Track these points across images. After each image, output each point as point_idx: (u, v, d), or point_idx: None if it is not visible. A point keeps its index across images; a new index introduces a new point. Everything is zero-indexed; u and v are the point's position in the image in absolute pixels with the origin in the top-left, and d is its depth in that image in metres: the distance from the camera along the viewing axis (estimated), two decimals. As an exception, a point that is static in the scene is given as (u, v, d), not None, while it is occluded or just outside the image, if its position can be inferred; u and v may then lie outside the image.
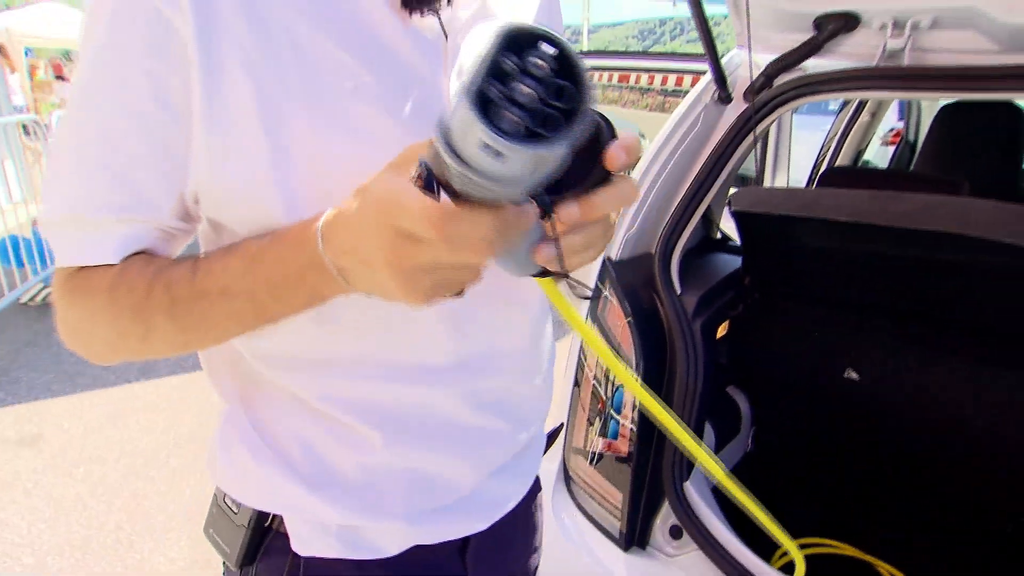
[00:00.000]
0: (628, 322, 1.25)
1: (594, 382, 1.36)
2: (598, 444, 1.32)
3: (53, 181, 0.59)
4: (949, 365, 1.36)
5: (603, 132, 0.44)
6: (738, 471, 1.65)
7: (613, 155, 0.43)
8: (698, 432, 1.35)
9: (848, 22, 1.24)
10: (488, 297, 0.67)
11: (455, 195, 0.39)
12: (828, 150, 3.17)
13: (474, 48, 0.35)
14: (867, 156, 3.90)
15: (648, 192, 1.38)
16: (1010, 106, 1.90)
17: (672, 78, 5.60)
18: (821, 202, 1.12)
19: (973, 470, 1.40)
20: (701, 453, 0.59)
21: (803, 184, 3.37)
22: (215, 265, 0.57)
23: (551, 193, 0.43)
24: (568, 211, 0.44)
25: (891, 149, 4.24)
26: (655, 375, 1.25)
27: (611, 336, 1.31)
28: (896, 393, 1.44)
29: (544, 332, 0.81)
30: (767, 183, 2.44)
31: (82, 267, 0.60)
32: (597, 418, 1.34)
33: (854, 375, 1.48)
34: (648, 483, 1.26)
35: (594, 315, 1.34)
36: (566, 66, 0.36)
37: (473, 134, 0.34)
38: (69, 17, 15.74)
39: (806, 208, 1.13)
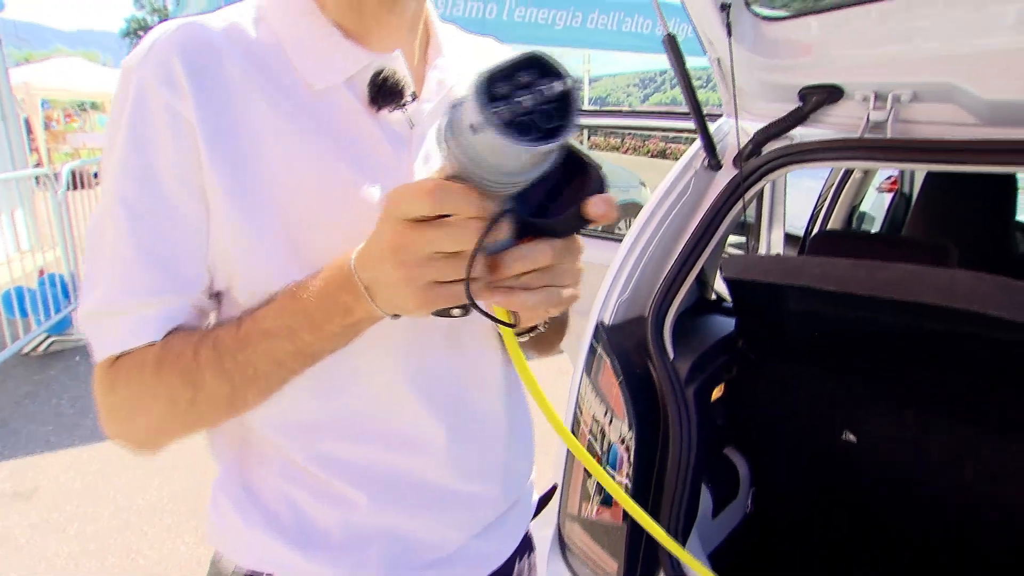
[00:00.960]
0: (620, 386, 1.25)
1: (590, 436, 1.35)
2: (592, 510, 1.30)
3: (92, 276, 0.64)
4: (948, 429, 1.35)
5: (592, 179, 0.50)
6: (737, 533, 1.62)
7: (593, 204, 0.49)
8: (694, 496, 1.34)
9: (832, 94, 1.28)
10: (458, 368, 0.73)
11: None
12: (825, 200, 3.22)
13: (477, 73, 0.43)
14: (864, 207, 3.96)
15: (641, 256, 1.40)
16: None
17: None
18: (807, 270, 1.14)
19: (973, 535, 1.38)
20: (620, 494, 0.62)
21: (803, 232, 3.42)
22: (257, 312, 0.62)
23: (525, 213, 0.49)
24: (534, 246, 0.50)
25: (888, 196, 4.28)
26: (649, 440, 1.24)
27: (605, 399, 1.31)
28: (895, 456, 1.42)
29: (515, 394, 0.83)
30: (763, 237, 2.47)
31: (124, 352, 0.64)
32: (591, 482, 1.33)
33: (852, 437, 1.47)
34: (643, 552, 1.24)
35: (589, 378, 1.34)
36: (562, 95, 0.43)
37: (471, 112, 0.41)
38: (86, 70, 16.24)
39: (793, 276, 1.15)
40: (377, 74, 0.66)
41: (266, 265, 0.63)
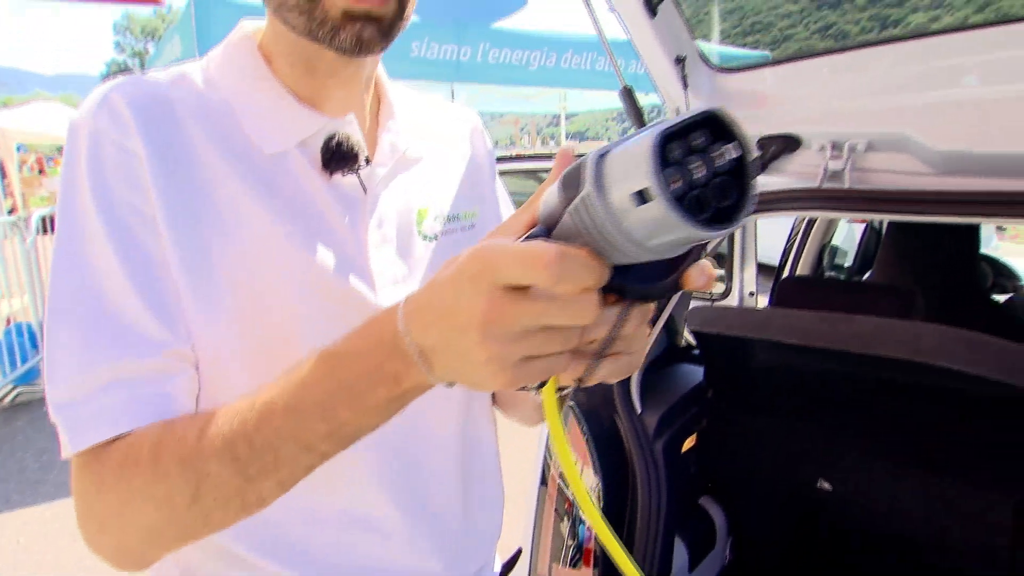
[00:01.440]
0: (587, 442, 1.22)
1: (560, 485, 1.31)
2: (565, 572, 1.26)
3: (56, 353, 0.56)
4: (920, 478, 1.33)
5: (694, 247, 0.42)
6: (717, 588, 1.58)
7: (692, 275, 0.41)
8: (666, 551, 1.30)
9: (789, 143, 1.28)
10: (411, 432, 0.69)
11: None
12: (797, 235, 3.25)
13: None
14: (836, 240, 4.01)
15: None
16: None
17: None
18: (772, 323, 1.12)
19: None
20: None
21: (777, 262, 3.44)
22: (280, 380, 0.51)
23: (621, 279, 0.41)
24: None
25: (859, 228, 4.33)
26: (615, 495, 1.21)
27: (570, 444, 1.28)
28: (869, 504, 1.40)
29: (474, 456, 0.79)
30: (736, 276, 2.47)
31: (110, 443, 0.54)
32: (565, 543, 1.29)
33: (827, 485, 1.44)
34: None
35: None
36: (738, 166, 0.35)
37: (640, 175, 0.32)
38: (63, 114, 16.20)
39: (758, 329, 1.13)
40: (330, 138, 0.65)
41: (215, 328, 0.59)
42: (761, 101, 1.27)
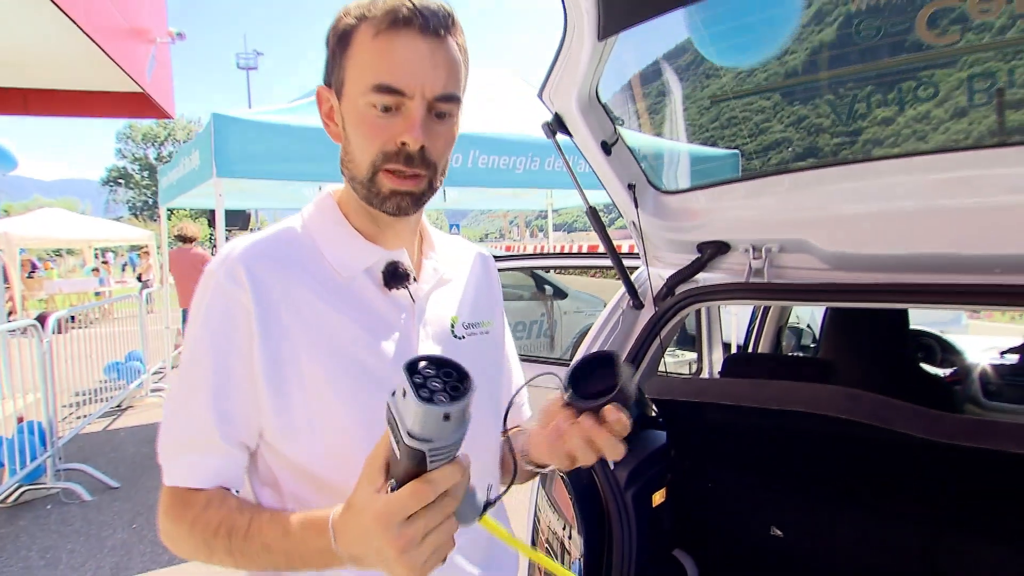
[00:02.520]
0: (571, 498, 1.48)
1: (547, 544, 1.55)
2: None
3: (171, 418, 0.88)
4: (854, 522, 1.58)
5: (623, 391, 0.77)
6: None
7: (608, 412, 0.76)
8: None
9: (721, 247, 1.63)
10: None
11: (419, 475, 0.66)
12: (757, 319, 3.57)
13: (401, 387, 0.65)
14: (806, 322, 4.35)
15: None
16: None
17: (626, 246, 6.23)
18: (712, 389, 1.42)
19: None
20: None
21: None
22: (264, 528, 0.81)
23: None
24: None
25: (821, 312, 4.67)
26: (596, 541, 1.45)
27: (559, 509, 1.53)
28: (815, 548, 1.64)
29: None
30: (705, 357, 2.78)
31: (183, 490, 0.86)
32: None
33: (778, 532, 1.68)
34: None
35: (544, 489, 1.56)
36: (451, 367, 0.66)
37: (427, 414, 0.61)
38: (64, 219, 16.80)
39: (700, 394, 1.42)
40: (390, 264, 0.94)
41: (292, 416, 0.87)
42: (696, 215, 1.62)
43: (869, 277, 1.43)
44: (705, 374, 2.71)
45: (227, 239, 8.71)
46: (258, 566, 0.82)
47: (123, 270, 30.46)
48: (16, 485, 4.73)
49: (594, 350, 1.73)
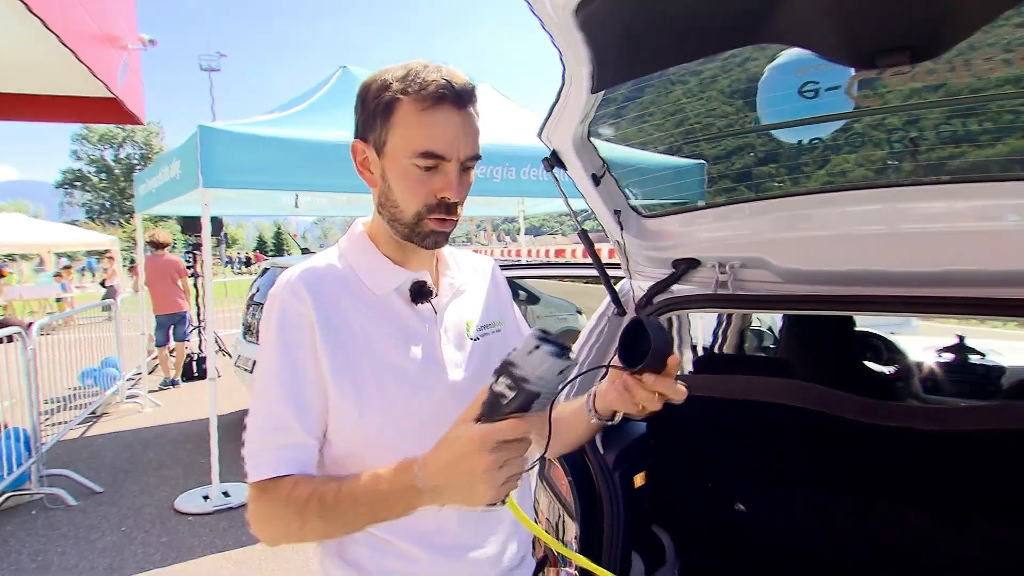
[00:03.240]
0: (568, 481, 1.72)
1: (546, 521, 1.79)
2: (552, 574, 1.73)
3: (255, 420, 1.04)
4: (806, 496, 1.87)
5: (661, 348, 1.00)
6: (669, 598, 2.04)
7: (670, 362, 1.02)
8: (626, 561, 1.78)
9: (692, 263, 1.90)
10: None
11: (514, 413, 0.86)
12: (722, 324, 3.88)
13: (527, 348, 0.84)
14: (769, 323, 4.69)
15: (576, 378, 1.92)
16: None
17: (605, 250, 6.51)
18: (684, 384, 1.67)
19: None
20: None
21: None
22: (352, 483, 0.96)
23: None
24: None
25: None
26: (590, 516, 1.70)
27: (557, 490, 1.78)
28: (774, 519, 1.92)
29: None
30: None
31: (270, 480, 1.00)
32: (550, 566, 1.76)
33: (742, 507, 1.96)
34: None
35: (542, 475, 1.81)
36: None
37: (552, 366, 0.82)
38: (16, 224, 16.33)
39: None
40: (415, 284, 1.14)
41: (357, 405, 1.04)
42: (672, 236, 1.89)
43: (816, 289, 1.72)
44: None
45: (199, 245, 8.69)
46: (347, 525, 0.97)
47: (81, 275, 29.71)
48: (-1, 491, 4.77)
49: (580, 344, 2.00)
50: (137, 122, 5.46)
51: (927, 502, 1.62)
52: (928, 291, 1.47)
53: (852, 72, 1.38)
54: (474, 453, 0.84)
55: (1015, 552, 1.52)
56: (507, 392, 0.85)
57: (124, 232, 37.69)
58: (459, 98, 1.04)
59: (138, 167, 49.29)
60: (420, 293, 1.14)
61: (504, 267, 5.48)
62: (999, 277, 1.39)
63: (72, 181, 50.20)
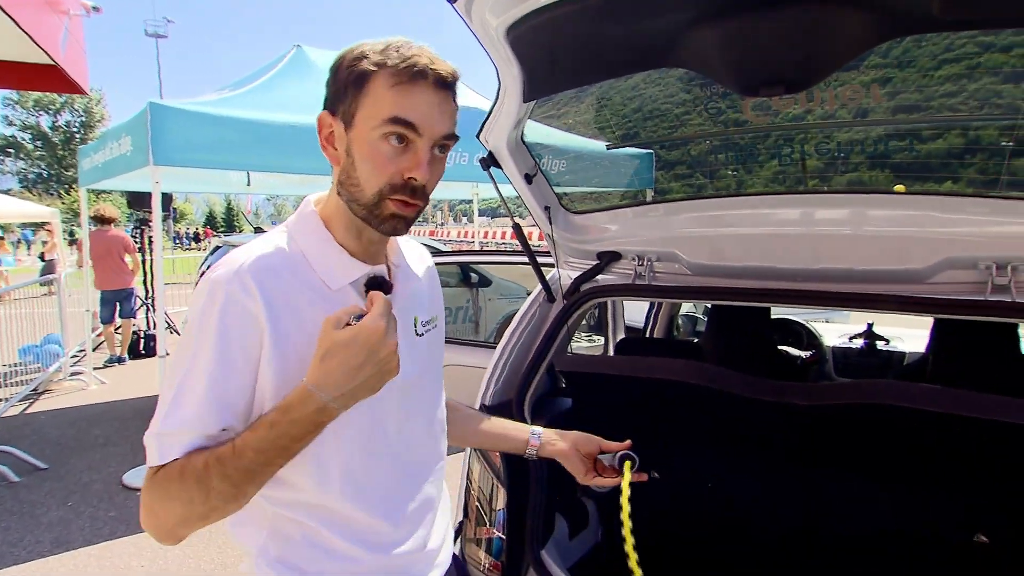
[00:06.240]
0: (499, 454, 1.92)
1: (478, 491, 1.99)
2: (481, 531, 1.93)
3: (170, 407, 0.94)
4: (710, 461, 2.11)
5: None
6: (590, 556, 2.27)
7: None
8: (549, 524, 2.00)
9: (614, 256, 2.11)
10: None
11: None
12: (652, 310, 4.14)
13: None
14: (700, 310, 4.98)
15: (508, 358, 2.12)
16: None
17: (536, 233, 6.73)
18: (600, 363, 1.89)
19: (744, 538, 2.12)
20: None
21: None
22: (248, 437, 0.92)
23: None
24: None
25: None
26: (520, 485, 1.90)
27: (489, 460, 1.98)
28: (683, 483, 2.16)
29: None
30: (610, 338, 3.30)
31: (164, 465, 0.93)
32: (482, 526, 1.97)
33: (656, 475, 2.20)
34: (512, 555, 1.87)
35: (475, 452, 2.00)
36: None
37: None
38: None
39: (591, 366, 1.89)
40: (373, 279, 1.07)
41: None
42: (596, 231, 2.10)
43: (719, 282, 1.95)
44: (609, 353, 3.23)
45: (148, 221, 8.52)
46: (255, 476, 0.92)
47: (16, 248, 28.46)
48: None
49: (512, 328, 2.19)
50: (80, 91, 5.35)
51: (798, 461, 1.88)
52: (807, 285, 1.71)
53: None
54: (378, 344, 0.91)
55: (860, 502, 1.81)
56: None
57: (64, 204, 36.08)
58: (439, 79, 0.98)
59: (78, 135, 47.21)
60: (378, 287, 1.05)
61: (459, 252, 5.63)
62: (863, 275, 1.64)
63: (4, 148, 47.66)
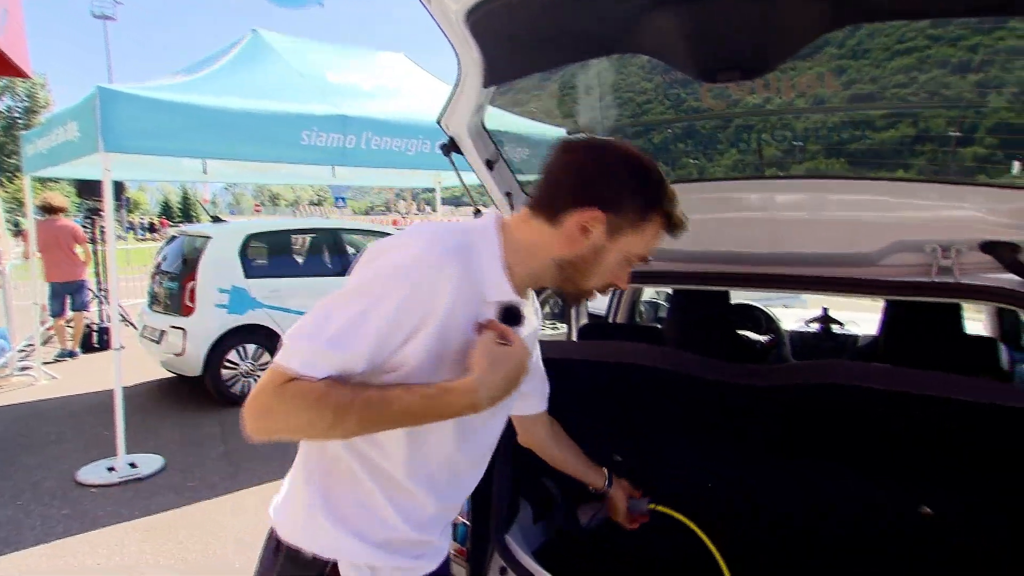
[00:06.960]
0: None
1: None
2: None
3: (339, 333, 1.01)
4: (673, 444, 2.15)
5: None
6: (554, 539, 2.30)
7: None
8: (514, 508, 2.01)
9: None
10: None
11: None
12: (615, 296, 4.18)
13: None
14: (662, 296, 5.06)
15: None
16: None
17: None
18: (564, 348, 1.90)
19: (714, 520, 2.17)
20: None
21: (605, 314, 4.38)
22: (401, 394, 1.03)
23: None
24: None
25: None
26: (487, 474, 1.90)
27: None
28: (645, 467, 2.20)
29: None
30: (573, 324, 3.32)
31: (298, 377, 1.00)
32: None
33: (619, 458, 2.23)
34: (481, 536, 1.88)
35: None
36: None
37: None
38: None
39: (556, 352, 1.90)
40: (514, 308, 1.16)
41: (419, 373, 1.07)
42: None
43: (675, 266, 1.98)
44: (572, 338, 3.25)
45: (99, 210, 8.22)
46: (382, 427, 1.06)
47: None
48: None
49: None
50: (22, 75, 5.12)
51: (752, 440, 1.93)
52: (764, 269, 1.75)
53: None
54: (521, 358, 1.08)
55: (804, 480, 1.87)
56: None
57: (6, 192, 34.62)
58: None
59: (20, 121, 45.23)
60: (513, 318, 1.15)
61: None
62: (818, 259, 1.68)
63: (-46, 132, 45.42)
